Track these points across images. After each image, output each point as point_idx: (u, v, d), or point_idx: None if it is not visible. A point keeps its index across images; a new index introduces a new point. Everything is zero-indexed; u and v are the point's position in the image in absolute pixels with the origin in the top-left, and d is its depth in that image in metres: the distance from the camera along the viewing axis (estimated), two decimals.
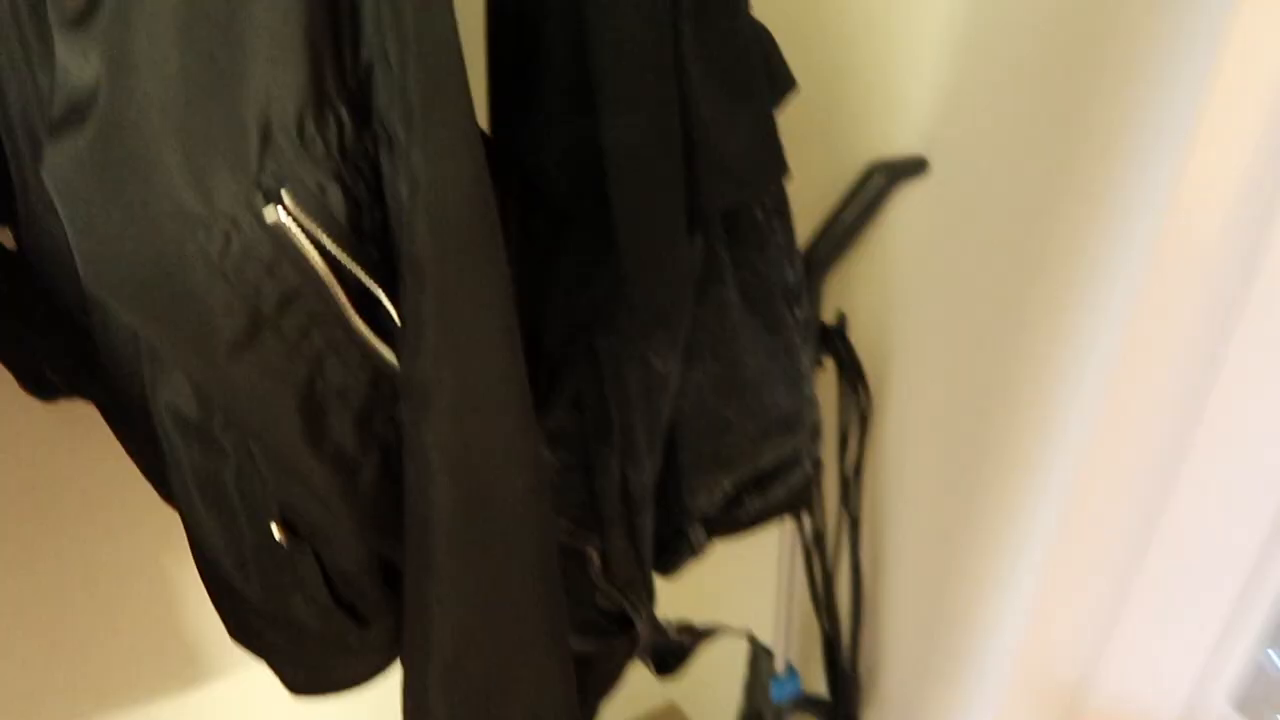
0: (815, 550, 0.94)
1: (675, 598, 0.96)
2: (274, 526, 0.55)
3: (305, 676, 0.65)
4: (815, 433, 0.73)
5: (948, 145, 0.80)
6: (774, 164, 0.61)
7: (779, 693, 1.05)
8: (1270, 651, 0.82)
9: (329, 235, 0.44)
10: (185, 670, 1.08)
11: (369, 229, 0.45)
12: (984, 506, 0.85)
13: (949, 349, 0.85)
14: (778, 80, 0.62)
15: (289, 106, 0.40)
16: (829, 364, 0.87)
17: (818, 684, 1.06)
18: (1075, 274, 0.72)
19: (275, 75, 0.39)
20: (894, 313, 0.88)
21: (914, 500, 0.91)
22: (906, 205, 0.83)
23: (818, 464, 0.75)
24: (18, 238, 0.58)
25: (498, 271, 0.45)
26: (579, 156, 0.51)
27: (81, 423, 0.79)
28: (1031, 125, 0.73)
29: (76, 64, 0.37)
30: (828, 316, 0.88)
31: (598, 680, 0.77)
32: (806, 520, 0.92)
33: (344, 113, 0.41)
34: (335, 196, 0.43)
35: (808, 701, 1.06)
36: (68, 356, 0.58)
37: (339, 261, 0.45)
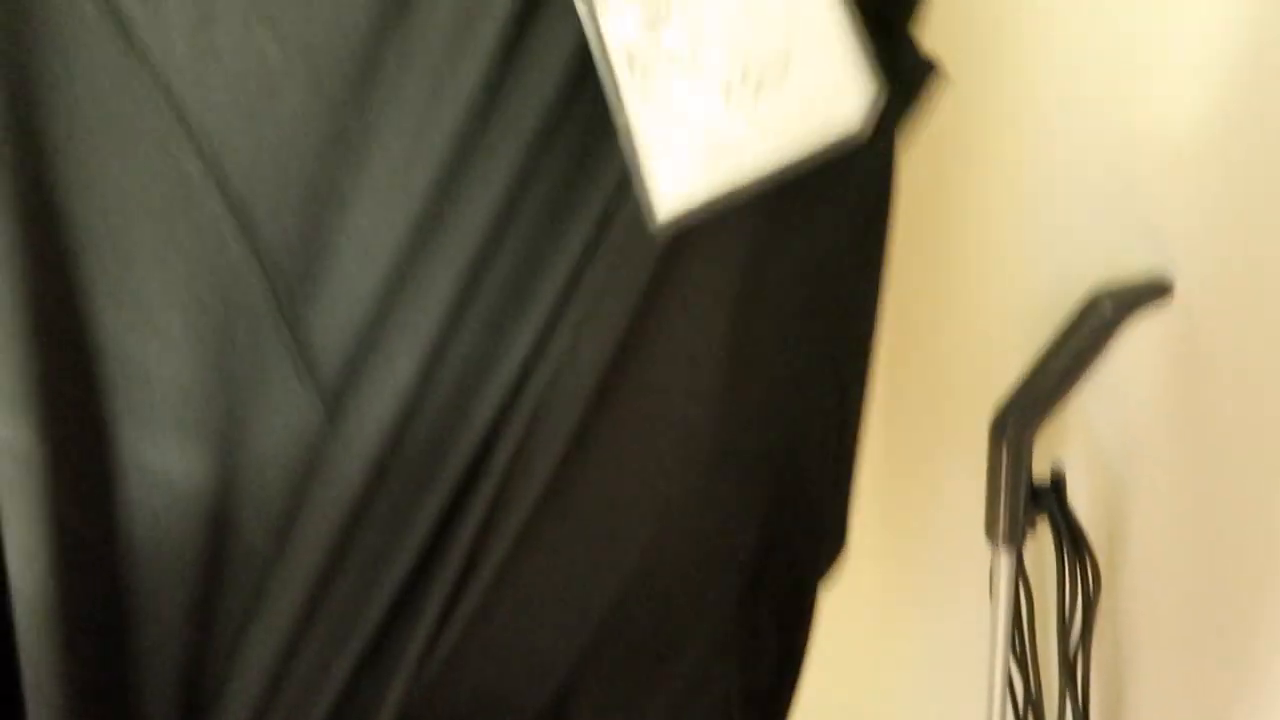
0: None
1: None
2: None
3: None
4: None
5: (1194, 266, 0.69)
6: None
7: None
8: None
9: None
10: None
11: None
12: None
13: (1198, 514, 0.73)
14: None
15: None
16: (1043, 529, 0.75)
17: None
18: None
19: None
20: (1125, 468, 0.76)
21: (1153, 701, 0.78)
22: (1142, 338, 0.72)
23: None
24: None
25: None
26: None
27: None
28: None
29: None
30: (1041, 470, 0.76)
31: None
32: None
33: None
34: None
35: None
36: None
37: None
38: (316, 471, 0.29)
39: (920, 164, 0.53)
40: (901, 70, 0.44)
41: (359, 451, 0.29)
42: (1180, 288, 0.70)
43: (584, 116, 0.29)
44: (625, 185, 0.28)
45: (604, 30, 0.27)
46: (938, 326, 0.85)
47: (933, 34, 0.47)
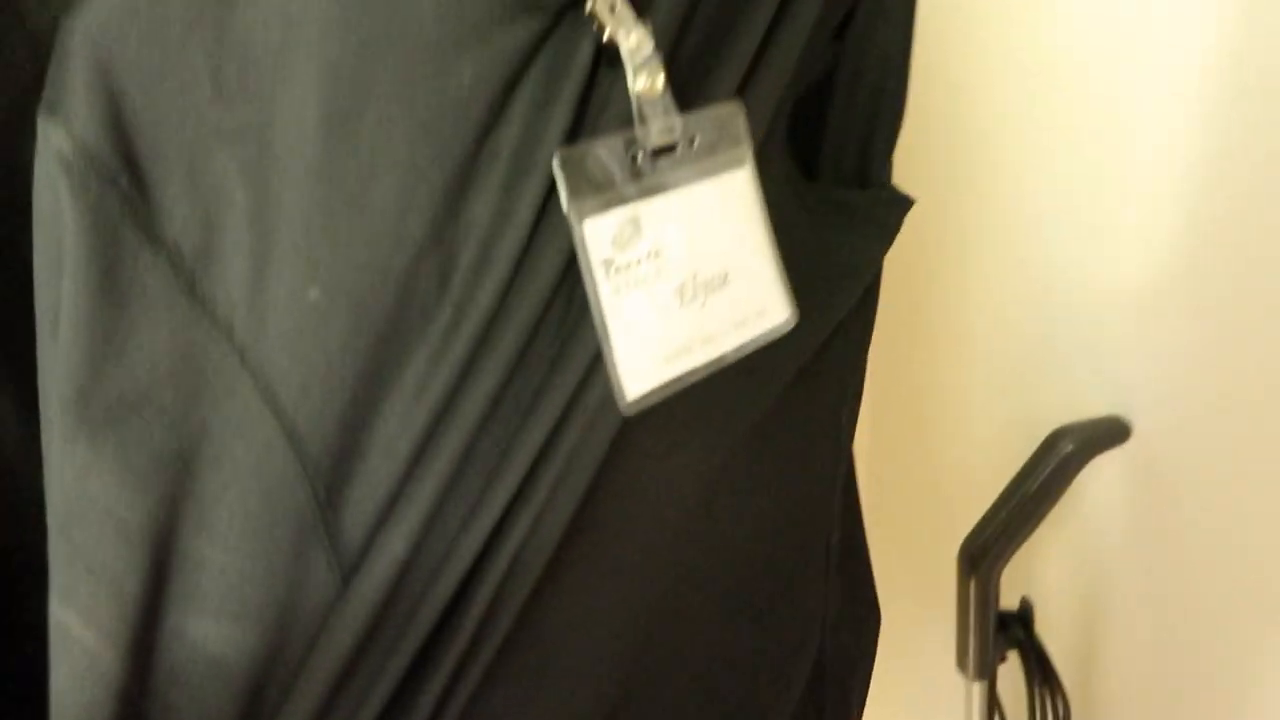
0: None
1: None
2: None
3: None
4: None
5: (1152, 407, 0.71)
6: None
7: None
8: None
9: None
10: None
11: None
12: None
13: (1165, 642, 0.74)
14: None
15: None
16: (1013, 658, 0.76)
17: None
18: None
19: None
20: (1093, 599, 0.77)
21: None
22: (1103, 476, 0.74)
23: None
24: None
25: None
26: None
27: None
28: (1255, 386, 0.64)
29: None
30: (1009, 602, 0.78)
31: None
32: None
33: None
34: None
35: None
36: None
37: None
38: (324, 630, 0.32)
39: (882, 315, 0.56)
40: (877, 212, 0.48)
41: (356, 612, 0.32)
42: (1139, 428, 0.72)
43: (563, 310, 0.34)
44: (593, 367, 0.34)
45: (588, 245, 0.33)
46: (907, 464, 0.87)
47: (900, 176, 0.51)
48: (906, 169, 0.51)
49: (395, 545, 0.32)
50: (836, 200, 0.46)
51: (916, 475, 0.86)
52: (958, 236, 0.77)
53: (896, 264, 0.58)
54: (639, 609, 0.43)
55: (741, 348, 0.37)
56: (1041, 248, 0.74)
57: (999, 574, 0.73)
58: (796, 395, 0.46)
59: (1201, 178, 0.63)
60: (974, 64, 0.73)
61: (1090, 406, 0.74)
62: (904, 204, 0.49)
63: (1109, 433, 0.73)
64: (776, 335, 0.38)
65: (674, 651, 0.46)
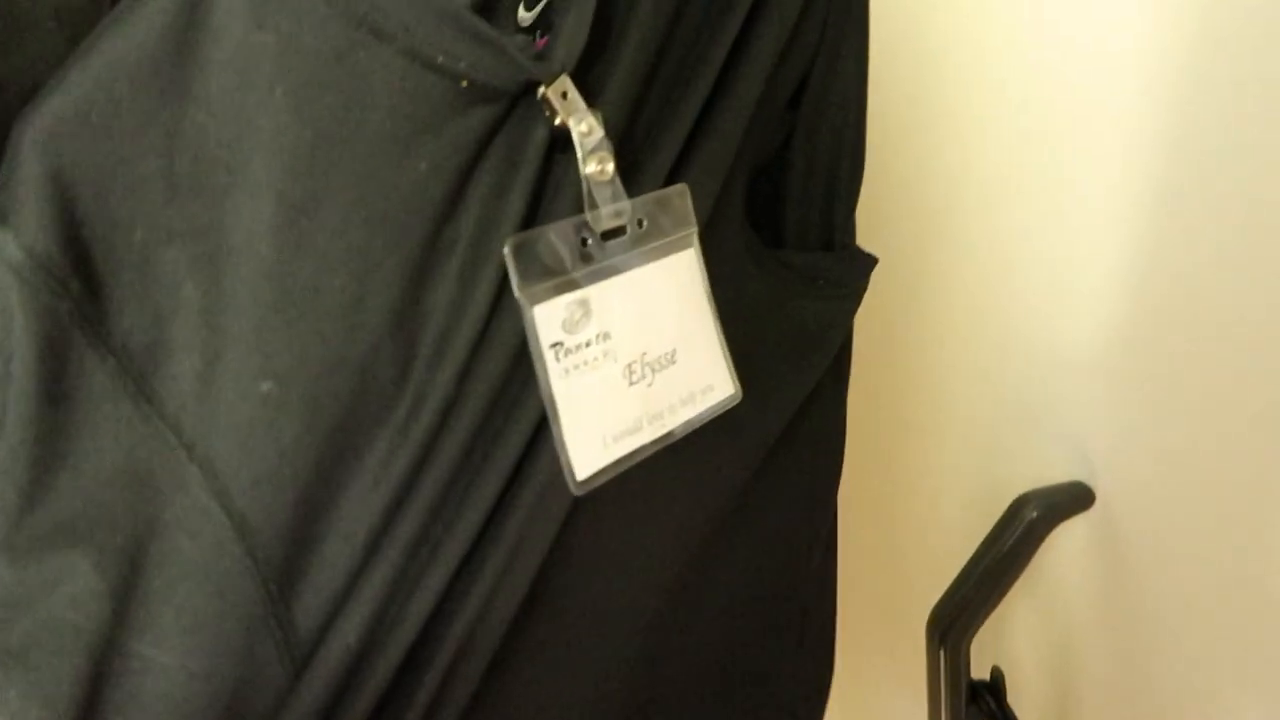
0: None
1: None
2: None
3: None
4: None
5: (1115, 472, 0.71)
6: None
7: None
8: None
9: None
10: None
11: None
12: None
13: (1135, 708, 0.73)
14: None
15: None
16: None
17: None
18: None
19: None
20: (1063, 666, 0.77)
21: None
22: (1070, 541, 0.74)
23: None
24: None
25: None
26: None
27: None
28: (1218, 450, 0.65)
29: None
30: (979, 672, 0.78)
31: None
32: None
33: None
34: None
35: None
36: None
37: None
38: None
39: (857, 374, 0.57)
40: (842, 275, 0.49)
41: (307, 705, 0.31)
42: (1104, 493, 0.71)
43: (518, 392, 0.34)
44: (543, 447, 0.34)
45: (538, 329, 0.34)
46: (874, 533, 0.86)
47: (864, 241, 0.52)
48: (869, 235, 0.52)
49: (348, 634, 0.32)
50: (801, 266, 0.47)
51: (884, 543, 0.85)
52: (921, 303, 0.78)
53: (860, 331, 0.58)
54: (603, 687, 0.43)
55: (689, 424, 0.38)
56: (1004, 313, 0.75)
57: (968, 643, 0.73)
58: (772, 465, 0.47)
59: (1164, 245, 0.64)
60: (937, 127, 0.74)
61: (1055, 472, 0.74)
62: (868, 264, 0.50)
63: (1073, 498, 0.73)
64: (723, 410, 0.39)
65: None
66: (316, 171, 0.30)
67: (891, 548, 0.85)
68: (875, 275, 0.50)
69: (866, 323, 0.54)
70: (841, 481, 0.64)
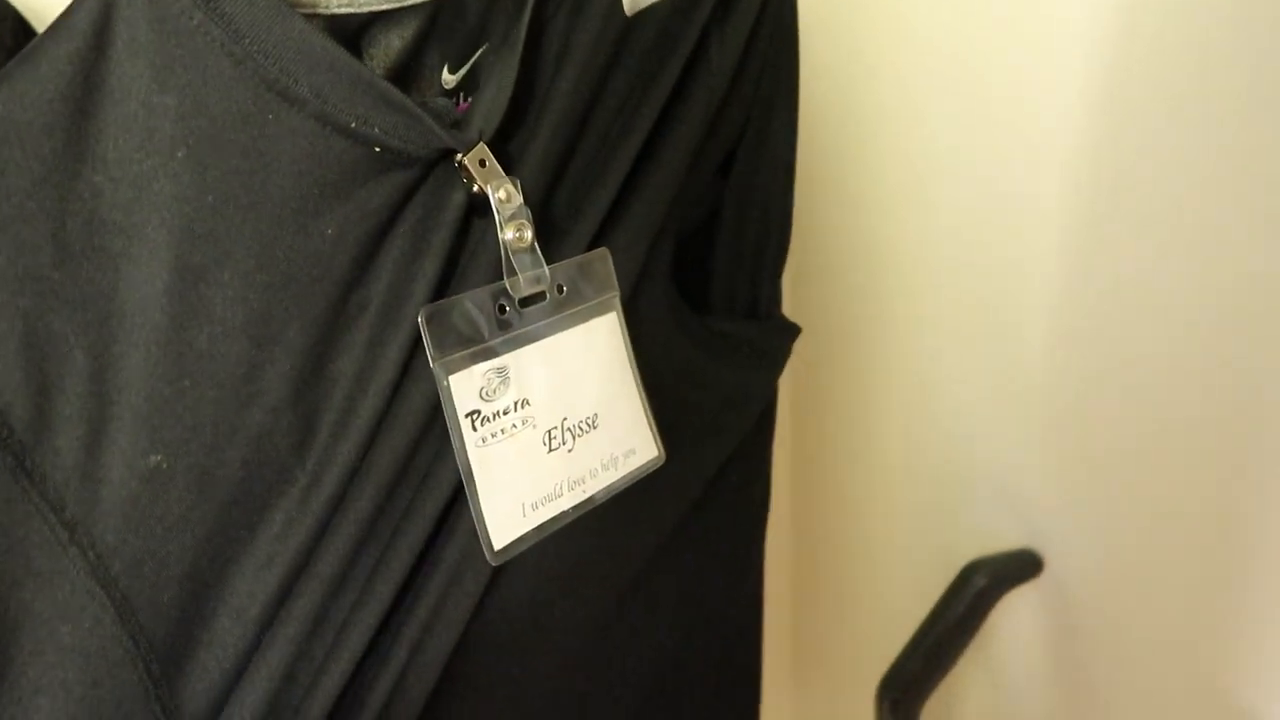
0: None
1: None
2: None
3: None
4: None
5: (1063, 539, 0.71)
6: None
7: None
8: None
9: None
10: None
11: None
12: None
13: None
14: None
15: None
16: None
17: None
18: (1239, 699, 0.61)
19: None
20: None
21: None
22: (1019, 608, 0.73)
23: None
24: None
25: None
26: None
27: None
28: (1166, 516, 0.64)
29: None
30: None
31: None
32: None
33: None
34: None
35: None
36: None
37: None
38: None
39: (794, 448, 0.56)
40: (765, 343, 0.49)
41: None
42: (1052, 560, 0.71)
43: (427, 462, 0.33)
44: (458, 518, 0.33)
45: (454, 399, 0.33)
46: (824, 600, 0.86)
47: (799, 306, 0.52)
48: (804, 299, 0.52)
49: (241, 717, 0.30)
50: (725, 332, 0.47)
51: (834, 611, 0.84)
52: (863, 370, 0.79)
53: (806, 397, 0.58)
54: None
55: (611, 488, 0.37)
56: (948, 381, 0.75)
57: (919, 712, 0.72)
58: (696, 524, 0.46)
59: (1107, 310, 0.64)
60: (870, 192, 0.75)
61: (1003, 539, 0.74)
62: (792, 332, 0.50)
63: (1022, 566, 0.72)
64: (646, 473, 0.38)
65: None
66: (217, 235, 0.29)
67: (841, 615, 0.84)
68: (814, 343, 0.50)
69: (807, 389, 0.54)
70: (793, 551, 0.63)
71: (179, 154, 0.28)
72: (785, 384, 0.52)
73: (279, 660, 0.31)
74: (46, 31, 0.28)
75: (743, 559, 0.52)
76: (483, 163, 0.34)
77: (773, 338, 0.49)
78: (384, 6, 0.35)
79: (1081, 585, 0.70)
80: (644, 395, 0.38)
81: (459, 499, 0.33)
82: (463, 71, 0.38)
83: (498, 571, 0.35)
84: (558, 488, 0.35)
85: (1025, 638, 0.74)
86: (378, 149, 0.31)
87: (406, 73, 0.38)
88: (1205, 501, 0.61)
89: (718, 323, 0.46)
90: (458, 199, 0.34)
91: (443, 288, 0.34)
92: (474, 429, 0.33)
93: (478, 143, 0.33)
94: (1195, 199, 0.56)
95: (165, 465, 0.29)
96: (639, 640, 0.45)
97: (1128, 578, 0.68)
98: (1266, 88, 0.51)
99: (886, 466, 0.79)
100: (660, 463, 0.39)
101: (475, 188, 0.34)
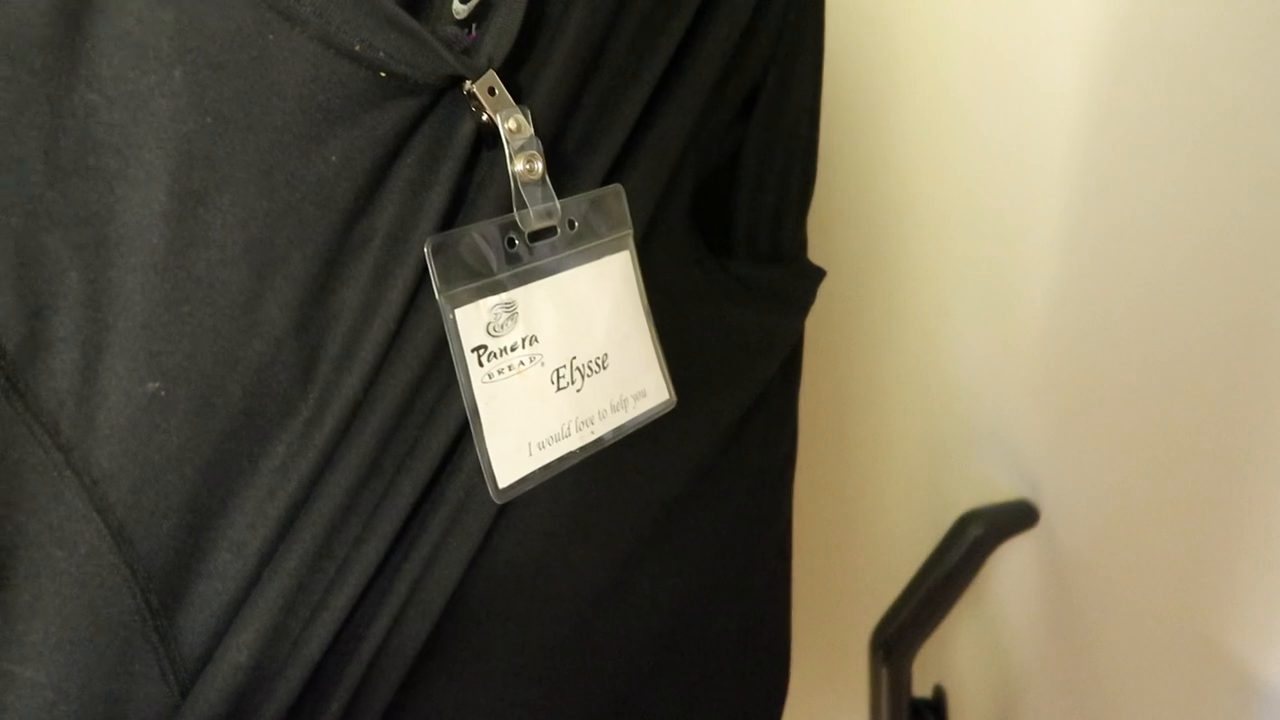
0: None
1: None
2: None
3: None
4: None
5: (1060, 490, 0.71)
6: None
7: None
8: None
9: None
10: None
11: None
12: None
13: None
14: None
15: None
16: None
17: None
18: (1234, 645, 0.61)
19: None
20: (1006, 683, 0.76)
21: None
22: (1014, 559, 0.74)
23: None
24: None
25: None
26: None
27: None
28: (1163, 467, 0.64)
29: None
30: (922, 690, 0.77)
31: None
32: None
33: None
34: None
35: None
36: None
37: None
38: None
39: (804, 391, 0.56)
40: (790, 287, 0.48)
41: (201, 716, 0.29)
42: (1048, 510, 0.71)
43: (434, 398, 0.32)
44: (464, 455, 0.32)
45: (460, 333, 0.32)
46: (817, 549, 0.86)
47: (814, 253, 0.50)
48: (815, 247, 0.51)
49: (239, 652, 0.30)
50: (748, 277, 0.46)
51: (827, 559, 0.85)
52: (866, 319, 0.78)
53: (806, 347, 0.57)
54: (525, 704, 0.41)
55: (620, 430, 0.36)
56: (948, 331, 0.75)
57: (911, 661, 0.72)
58: (718, 477, 0.45)
59: (1108, 261, 0.64)
60: (888, 138, 0.74)
61: (1000, 489, 0.74)
62: (816, 277, 0.49)
63: (1018, 516, 0.72)
64: (656, 416, 0.37)
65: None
66: (216, 159, 0.28)
67: (835, 564, 0.85)
68: (820, 289, 0.49)
69: (811, 336, 0.53)
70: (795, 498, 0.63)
71: (176, 73, 0.27)
72: None
73: (278, 594, 0.30)
74: None
75: (770, 505, 0.52)
76: (492, 91, 0.32)
77: (796, 281, 0.48)
78: None
79: (1076, 536, 0.70)
80: (656, 337, 0.37)
81: (464, 436, 0.32)
82: (474, 1, 0.37)
83: (503, 511, 0.34)
84: (565, 427, 0.34)
85: (1019, 588, 0.75)
86: (383, 74, 0.30)
87: (416, 1, 0.37)
88: (1203, 455, 0.61)
89: (739, 266, 0.45)
90: (467, 128, 0.33)
91: (450, 220, 0.33)
92: (480, 364, 0.32)
93: (487, 69, 0.32)
94: (1198, 157, 0.55)
95: (164, 393, 0.28)
96: (657, 595, 0.45)
97: (1123, 529, 0.68)
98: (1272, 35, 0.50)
99: (884, 416, 0.79)
100: (671, 406, 0.38)
101: (485, 117, 0.32)
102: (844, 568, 0.84)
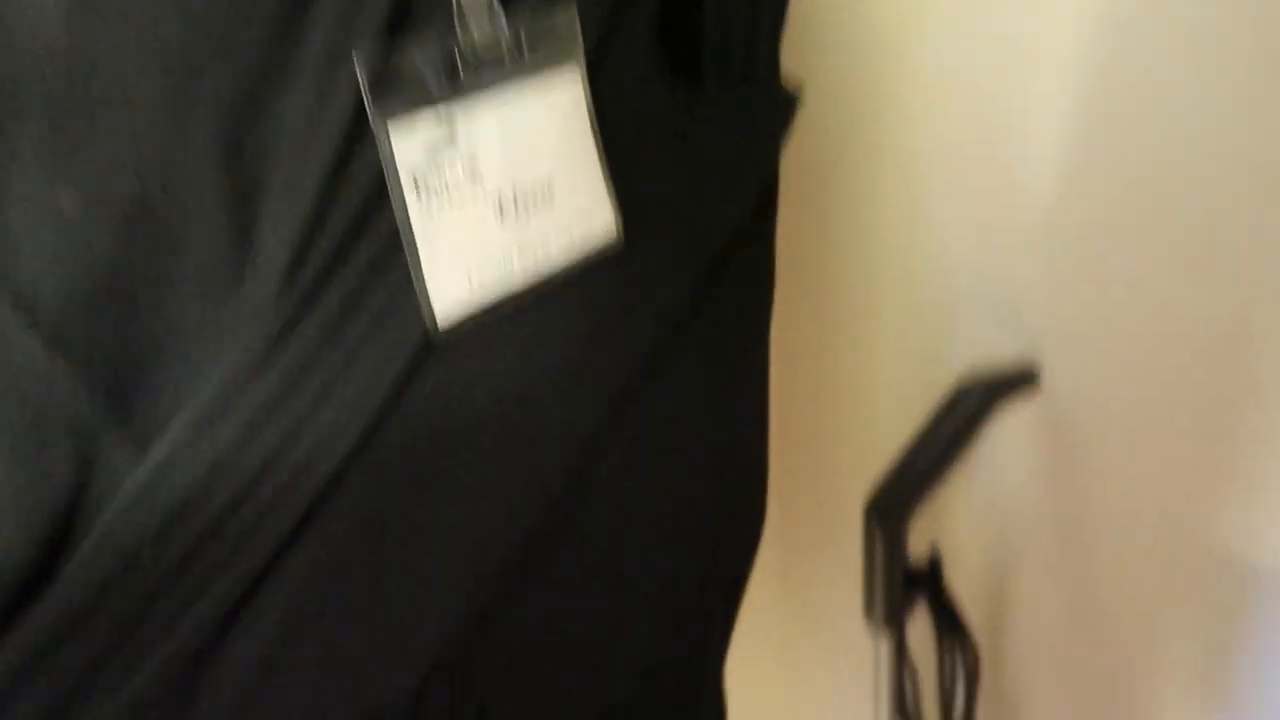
0: None
1: None
2: None
3: None
4: None
5: (1060, 354, 0.69)
6: None
7: None
8: None
9: None
10: None
11: None
12: None
13: (1075, 592, 0.72)
14: None
15: None
16: (921, 611, 0.75)
17: None
18: (1229, 509, 0.61)
19: None
20: (1003, 549, 0.76)
21: None
22: (1012, 425, 0.72)
23: None
24: None
25: None
26: None
27: None
28: (1167, 333, 0.63)
29: None
30: (918, 554, 0.77)
31: None
32: None
33: None
34: None
35: None
36: None
37: None
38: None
39: (780, 260, 0.54)
40: (762, 112, 0.46)
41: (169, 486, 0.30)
42: (1049, 374, 0.70)
43: (377, 226, 0.31)
44: (403, 288, 0.31)
45: (396, 157, 0.30)
46: (811, 414, 0.85)
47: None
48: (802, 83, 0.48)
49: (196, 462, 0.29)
50: (717, 102, 0.43)
51: (819, 427, 0.84)
52: (855, 175, 0.75)
53: (795, 207, 0.55)
54: (492, 555, 0.40)
55: (569, 265, 0.34)
56: (944, 188, 0.72)
57: (906, 527, 0.72)
58: (692, 329, 0.44)
59: (1113, 118, 0.61)
60: None
61: (998, 353, 0.72)
62: (789, 104, 0.46)
63: (1017, 379, 0.71)
64: (605, 250, 0.36)
65: (538, 613, 0.43)
66: None
67: (827, 432, 0.84)
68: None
69: (801, 198, 0.51)
70: (778, 365, 0.61)
71: None
72: None
73: (236, 408, 0.30)
74: None
75: (748, 341, 0.50)
76: None
77: (768, 104, 0.45)
78: None
79: (1078, 402, 0.69)
80: (605, 166, 0.35)
81: (404, 269, 0.31)
82: None
83: (449, 353, 0.33)
84: (507, 259, 0.32)
85: (1018, 455, 0.74)
86: None
87: None
88: (1209, 321, 0.59)
89: (708, 88, 0.42)
90: None
91: (388, 38, 0.31)
92: (416, 192, 0.30)
93: None
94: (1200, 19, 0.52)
95: (74, 209, 0.27)
96: (620, 435, 0.44)
97: (1126, 395, 0.67)
98: None
99: (877, 275, 0.77)
100: (618, 241, 0.36)
101: None
102: (835, 436, 0.84)
